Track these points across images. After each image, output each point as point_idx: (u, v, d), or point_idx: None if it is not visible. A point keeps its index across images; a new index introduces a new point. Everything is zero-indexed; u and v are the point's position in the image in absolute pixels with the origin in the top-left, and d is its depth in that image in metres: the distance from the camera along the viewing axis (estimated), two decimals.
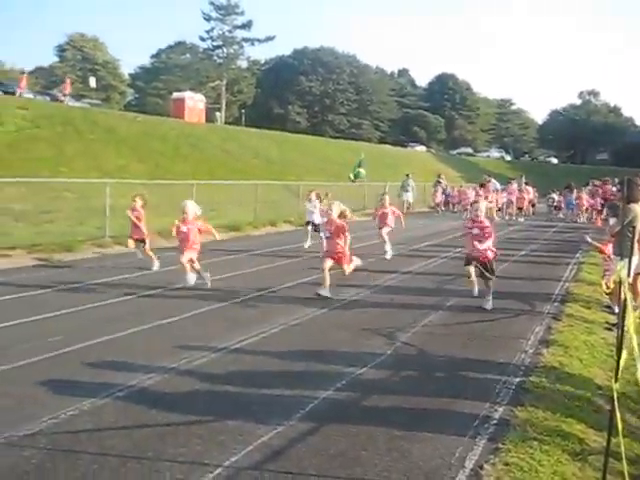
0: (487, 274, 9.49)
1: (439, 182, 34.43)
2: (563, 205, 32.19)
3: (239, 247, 15.99)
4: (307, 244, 16.16)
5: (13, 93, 34.67)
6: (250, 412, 5.19)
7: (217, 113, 62.59)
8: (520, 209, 30.27)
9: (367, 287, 11.09)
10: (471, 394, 5.81)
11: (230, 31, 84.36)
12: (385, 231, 15.37)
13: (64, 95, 42.45)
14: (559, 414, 5.34)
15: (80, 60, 78.11)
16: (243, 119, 71.38)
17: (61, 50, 79.13)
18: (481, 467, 4.42)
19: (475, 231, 9.50)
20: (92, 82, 49.95)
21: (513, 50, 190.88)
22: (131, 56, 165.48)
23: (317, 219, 16.22)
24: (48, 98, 39.14)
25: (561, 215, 31.81)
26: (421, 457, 4.52)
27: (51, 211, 16.79)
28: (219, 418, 5.05)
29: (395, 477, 4.21)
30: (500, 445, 4.75)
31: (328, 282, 9.99)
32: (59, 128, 25.80)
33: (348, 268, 10.45)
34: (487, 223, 9.66)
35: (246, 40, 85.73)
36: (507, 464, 4.46)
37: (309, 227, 16.51)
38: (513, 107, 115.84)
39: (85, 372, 6.11)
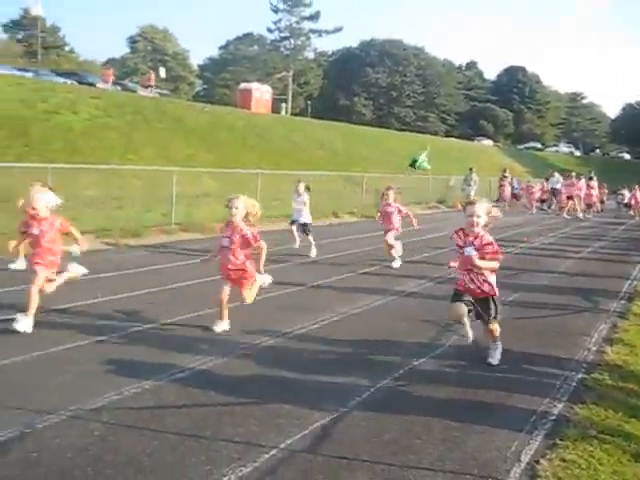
0: (487, 315, 6.28)
1: (505, 177, 33.67)
2: (633, 202, 31.36)
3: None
4: (297, 244, 13.69)
5: (89, 84, 35.64)
6: (307, 397, 5.26)
7: (283, 104, 62.97)
8: (589, 206, 29.51)
9: (429, 279, 11.03)
10: (530, 389, 5.74)
11: (297, 22, 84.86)
12: (391, 236, 12.26)
13: (146, 87, 43.56)
14: (622, 413, 5.22)
15: (150, 51, 79.74)
16: (309, 110, 71.64)
17: (133, 42, 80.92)
18: (537, 462, 4.36)
19: (470, 251, 6.09)
20: (162, 73, 51.01)
21: (585, 42, 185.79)
22: (200, 47, 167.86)
23: (305, 217, 13.56)
24: (119, 88, 40.07)
25: (631, 212, 30.92)
26: (476, 449, 4.50)
27: (120, 197, 17.23)
28: (276, 401, 5.14)
29: (449, 467, 4.21)
30: (558, 441, 4.68)
31: (226, 314, 7.37)
32: (129, 117, 26.40)
33: (249, 295, 7.46)
34: (488, 237, 6.24)
35: (313, 31, 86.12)
36: (564, 460, 4.40)
37: (294, 228, 13.77)
38: (584, 101, 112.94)
39: (148, 352, 6.29)
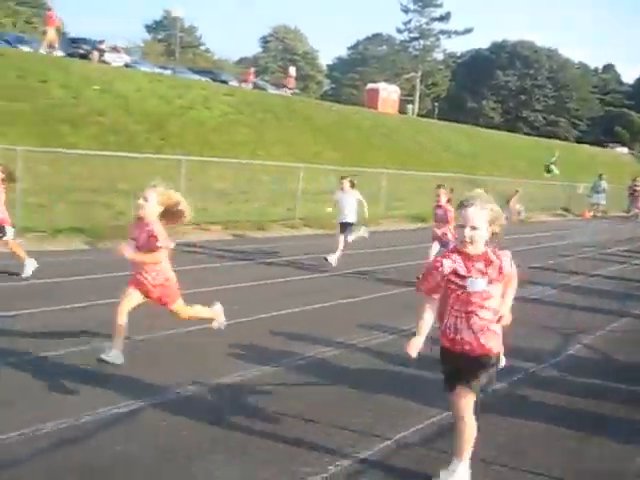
0: (466, 378, 3.87)
1: (637, 185, 31.67)
2: None
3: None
4: (333, 257, 11.03)
5: (222, 81, 37.11)
6: (423, 393, 5.31)
7: (409, 105, 62.79)
8: None
9: (552, 286, 10.78)
10: None
11: (427, 23, 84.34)
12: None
13: (288, 88, 45.08)
14: None
15: (281, 50, 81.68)
16: (435, 112, 71.06)
17: (265, 41, 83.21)
18: None
19: (478, 284, 3.81)
20: (292, 71, 52.12)
21: None
22: (329, 47, 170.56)
23: (350, 217, 11.38)
24: (251, 86, 41.31)
25: None
26: (593, 459, 4.41)
27: (247, 191, 17.83)
28: (392, 395, 5.23)
29: (565, 475, 4.16)
30: None
31: (122, 336, 5.26)
32: (260, 115, 27.19)
33: (183, 309, 5.73)
34: (506, 259, 3.90)
35: (443, 32, 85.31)
36: None
37: (341, 235, 11.33)
38: None
39: (271, 339, 6.56)
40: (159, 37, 75.31)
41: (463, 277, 3.78)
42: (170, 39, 68.91)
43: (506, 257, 3.88)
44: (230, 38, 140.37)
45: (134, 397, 4.79)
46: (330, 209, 11.75)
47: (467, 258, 3.80)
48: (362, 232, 11.75)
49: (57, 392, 4.86)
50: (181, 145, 19.88)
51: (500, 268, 3.82)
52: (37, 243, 11.28)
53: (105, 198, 14.64)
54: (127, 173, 15.79)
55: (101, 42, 34.36)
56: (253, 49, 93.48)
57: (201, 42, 78.85)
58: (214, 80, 36.71)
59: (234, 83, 39.38)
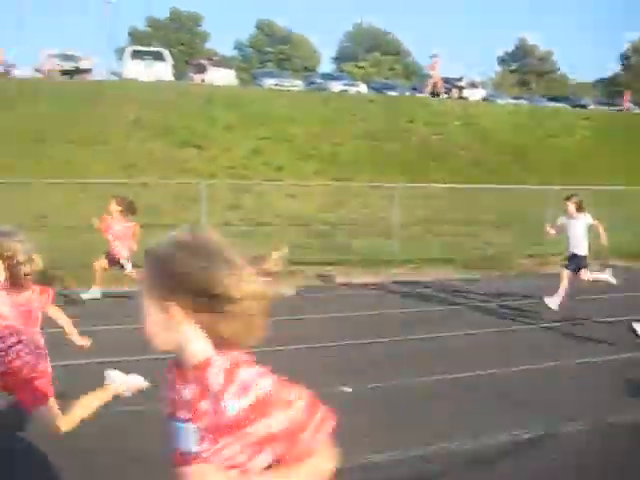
0: None
1: None
2: None
3: None
4: (553, 300, 8.79)
5: (581, 106, 35.93)
6: None
7: None
8: None
9: None
10: None
11: None
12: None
13: None
14: None
15: None
16: None
17: (625, 58, 78.44)
18: None
19: (183, 436, 1.55)
20: None
21: None
22: None
23: (580, 248, 8.85)
24: (626, 109, 39.23)
25: None
26: None
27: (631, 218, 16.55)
28: None
29: None
30: None
31: None
32: (623, 137, 25.70)
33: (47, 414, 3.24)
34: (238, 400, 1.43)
35: None
36: None
37: (566, 271, 8.91)
38: None
39: None
40: (511, 68, 75.64)
41: (170, 419, 1.65)
42: (524, 68, 68.85)
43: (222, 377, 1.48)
44: (586, 59, 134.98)
45: (526, 426, 4.89)
46: (552, 231, 9.31)
47: (181, 379, 1.60)
48: (607, 276, 9.15)
49: None
50: (544, 174, 19.68)
51: (215, 409, 1.48)
52: (413, 273, 12.08)
53: (470, 229, 15.12)
54: (489, 204, 16.16)
55: (460, 79, 35.65)
56: (613, 68, 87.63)
57: (556, 67, 77.26)
58: (573, 106, 35.72)
59: (592, 107, 37.81)
